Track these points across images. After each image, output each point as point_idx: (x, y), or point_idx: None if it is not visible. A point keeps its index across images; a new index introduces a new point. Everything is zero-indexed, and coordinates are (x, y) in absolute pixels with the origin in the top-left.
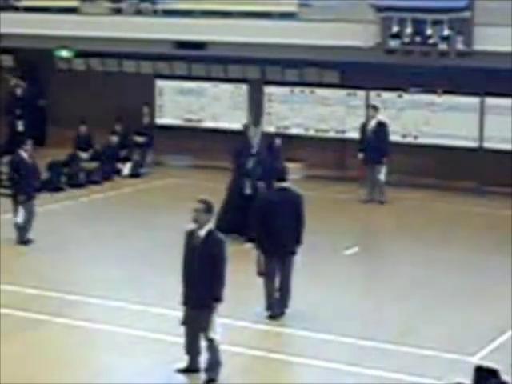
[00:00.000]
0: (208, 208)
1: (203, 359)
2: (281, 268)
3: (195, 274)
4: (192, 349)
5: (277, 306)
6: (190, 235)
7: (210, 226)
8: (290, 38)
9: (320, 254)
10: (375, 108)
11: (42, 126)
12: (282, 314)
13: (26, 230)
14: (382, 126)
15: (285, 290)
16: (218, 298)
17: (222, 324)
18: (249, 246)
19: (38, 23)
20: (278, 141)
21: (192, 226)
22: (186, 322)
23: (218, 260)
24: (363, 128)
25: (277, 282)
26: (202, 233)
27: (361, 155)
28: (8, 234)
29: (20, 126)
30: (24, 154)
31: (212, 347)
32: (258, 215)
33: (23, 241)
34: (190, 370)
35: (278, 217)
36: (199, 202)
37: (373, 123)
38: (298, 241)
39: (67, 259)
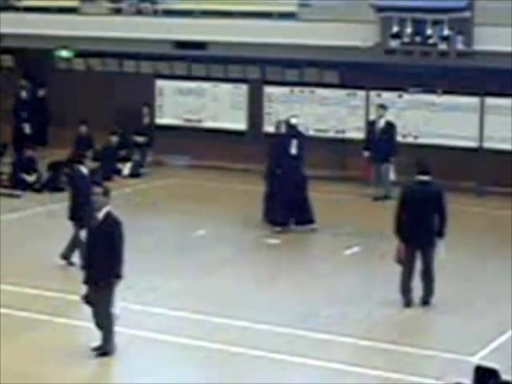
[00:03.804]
0: (106, 191)
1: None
2: (422, 259)
3: (95, 254)
4: (98, 326)
5: (414, 295)
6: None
7: (108, 208)
8: (290, 37)
9: (320, 254)
10: (383, 107)
11: (44, 126)
12: (425, 303)
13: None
14: (391, 126)
15: (427, 280)
16: (118, 275)
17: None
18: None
19: (38, 23)
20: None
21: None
22: (89, 300)
23: (115, 239)
24: (371, 127)
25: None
26: (100, 215)
27: (366, 153)
28: (8, 233)
29: (27, 129)
30: (84, 170)
31: (107, 323)
32: (400, 206)
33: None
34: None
35: (417, 209)
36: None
37: (382, 123)
38: (440, 233)
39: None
